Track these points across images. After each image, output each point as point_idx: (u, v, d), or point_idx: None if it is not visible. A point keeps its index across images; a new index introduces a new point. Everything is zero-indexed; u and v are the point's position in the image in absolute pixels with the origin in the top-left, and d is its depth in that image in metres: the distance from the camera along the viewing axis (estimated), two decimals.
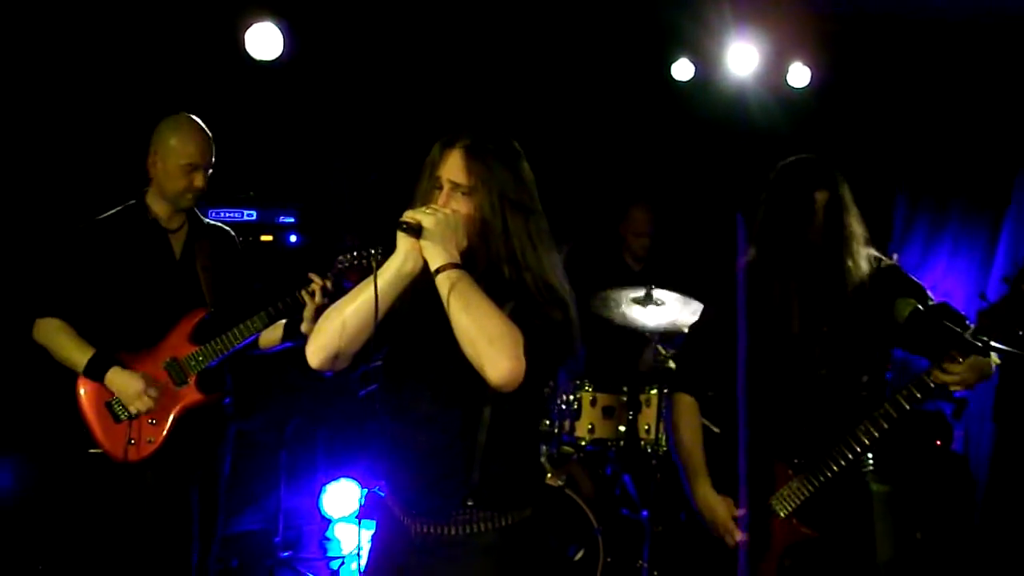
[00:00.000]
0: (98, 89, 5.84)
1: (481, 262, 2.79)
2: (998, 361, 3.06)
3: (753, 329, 3.52)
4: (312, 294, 3.94)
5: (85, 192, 5.14)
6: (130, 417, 4.00)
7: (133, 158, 4.19)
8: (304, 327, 4.00)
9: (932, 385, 3.27)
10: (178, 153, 4.03)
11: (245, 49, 5.99)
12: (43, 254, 4.20)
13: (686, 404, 3.80)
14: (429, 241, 2.68)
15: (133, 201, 4.16)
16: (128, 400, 3.97)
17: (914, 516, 5.21)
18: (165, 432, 4.03)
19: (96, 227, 4.10)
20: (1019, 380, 5.59)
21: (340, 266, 3.91)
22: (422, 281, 2.74)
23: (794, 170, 3.60)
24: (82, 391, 4.05)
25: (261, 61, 6.04)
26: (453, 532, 2.85)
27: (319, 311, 3.73)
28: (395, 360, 2.96)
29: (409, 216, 2.71)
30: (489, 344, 2.61)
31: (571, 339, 2.82)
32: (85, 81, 5.80)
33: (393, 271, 2.74)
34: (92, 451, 4.05)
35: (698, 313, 4.16)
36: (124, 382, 3.97)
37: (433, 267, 2.69)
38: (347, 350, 2.79)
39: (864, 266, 3.52)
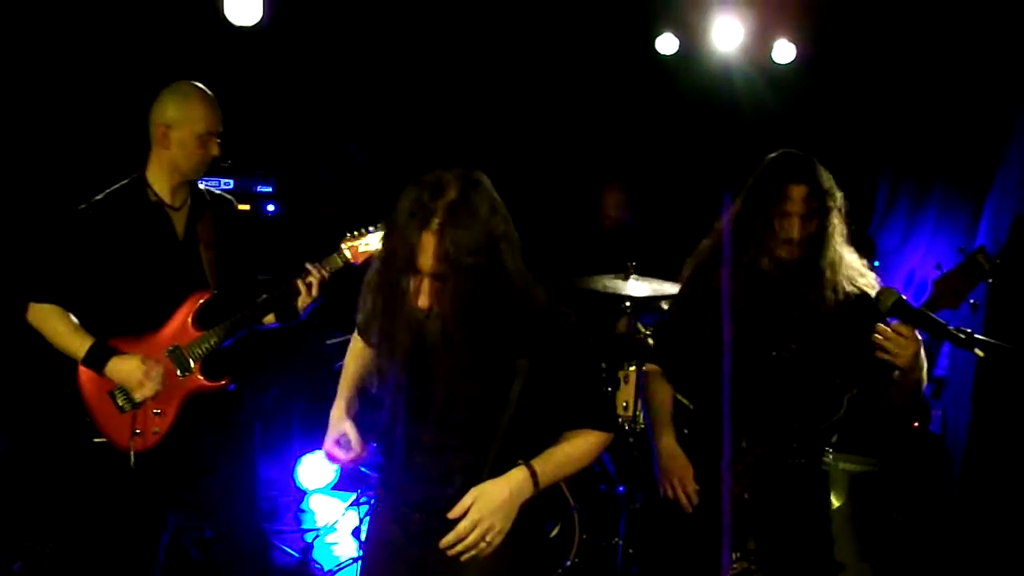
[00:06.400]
0: (77, 60, 5.74)
1: (483, 329, 2.72)
2: (981, 354, 3.04)
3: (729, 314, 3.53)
4: (309, 286, 3.90)
5: (72, 167, 5.06)
6: (133, 407, 3.84)
7: (118, 130, 4.07)
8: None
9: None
10: (196, 122, 3.84)
11: (224, 14, 5.90)
12: (40, 237, 3.99)
13: (654, 372, 3.89)
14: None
15: (128, 180, 3.95)
16: (132, 388, 3.80)
17: (892, 497, 5.21)
18: (171, 422, 3.88)
19: (94, 209, 3.87)
20: (999, 369, 5.58)
21: (346, 249, 3.97)
22: (429, 331, 2.71)
23: (771, 163, 3.56)
24: (84, 379, 3.87)
25: (240, 27, 5.95)
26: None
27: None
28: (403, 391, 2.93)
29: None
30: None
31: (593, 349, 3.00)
32: (65, 53, 5.70)
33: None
34: (96, 440, 3.88)
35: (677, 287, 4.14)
36: (125, 370, 3.78)
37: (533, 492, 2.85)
38: None
39: (842, 273, 3.50)
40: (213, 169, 4.02)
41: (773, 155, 3.57)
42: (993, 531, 5.41)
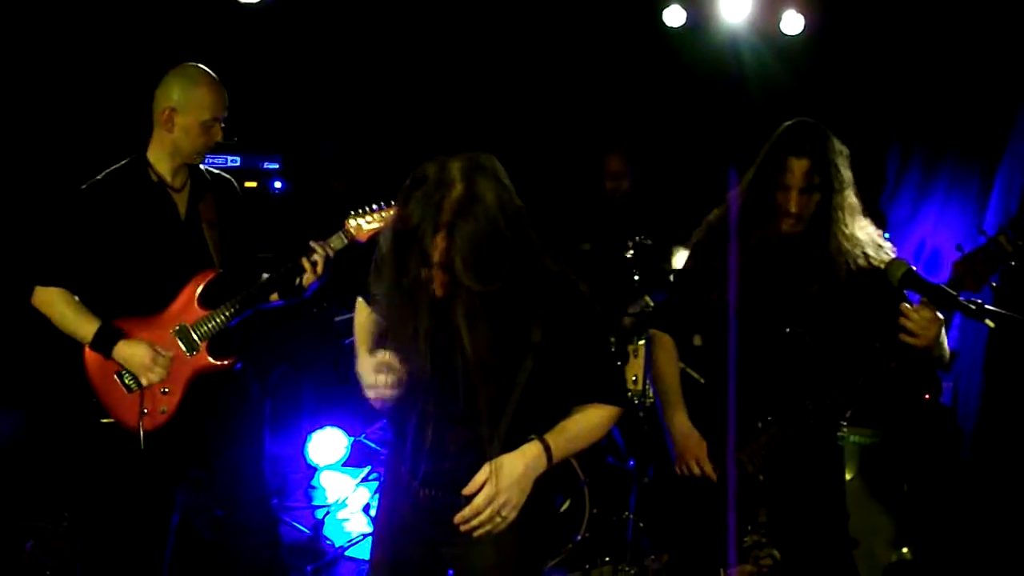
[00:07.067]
0: (80, 39, 5.72)
1: (496, 310, 2.69)
2: (992, 325, 3.00)
3: (738, 287, 3.50)
4: (314, 264, 3.92)
5: (72, 148, 5.03)
6: (140, 388, 3.84)
7: (120, 110, 4.04)
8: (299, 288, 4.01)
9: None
10: (201, 109, 3.81)
11: None
12: (42, 219, 3.97)
13: (662, 340, 3.82)
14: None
15: (128, 160, 3.92)
16: (139, 372, 3.80)
17: (901, 469, 5.20)
18: (178, 401, 3.89)
19: (96, 189, 3.85)
20: (1011, 340, 5.56)
21: (351, 227, 3.97)
22: (444, 305, 2.67)
23: (780, 134, 3.47)
24: (90, 360, 3.87)
25: (246, 3, 5.93)
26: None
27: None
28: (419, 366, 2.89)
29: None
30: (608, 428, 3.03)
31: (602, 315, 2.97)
32: (67, 32, 5.68)
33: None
34: (104, 420, 3.88)
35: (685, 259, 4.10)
36: (133, 354, 3.79)
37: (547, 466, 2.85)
38: None
39: (854, 249, 3.43)
40: (219, 145, 4.00)
41: (787, 124, 3.50)
42: (1004, 502, 5.40)
